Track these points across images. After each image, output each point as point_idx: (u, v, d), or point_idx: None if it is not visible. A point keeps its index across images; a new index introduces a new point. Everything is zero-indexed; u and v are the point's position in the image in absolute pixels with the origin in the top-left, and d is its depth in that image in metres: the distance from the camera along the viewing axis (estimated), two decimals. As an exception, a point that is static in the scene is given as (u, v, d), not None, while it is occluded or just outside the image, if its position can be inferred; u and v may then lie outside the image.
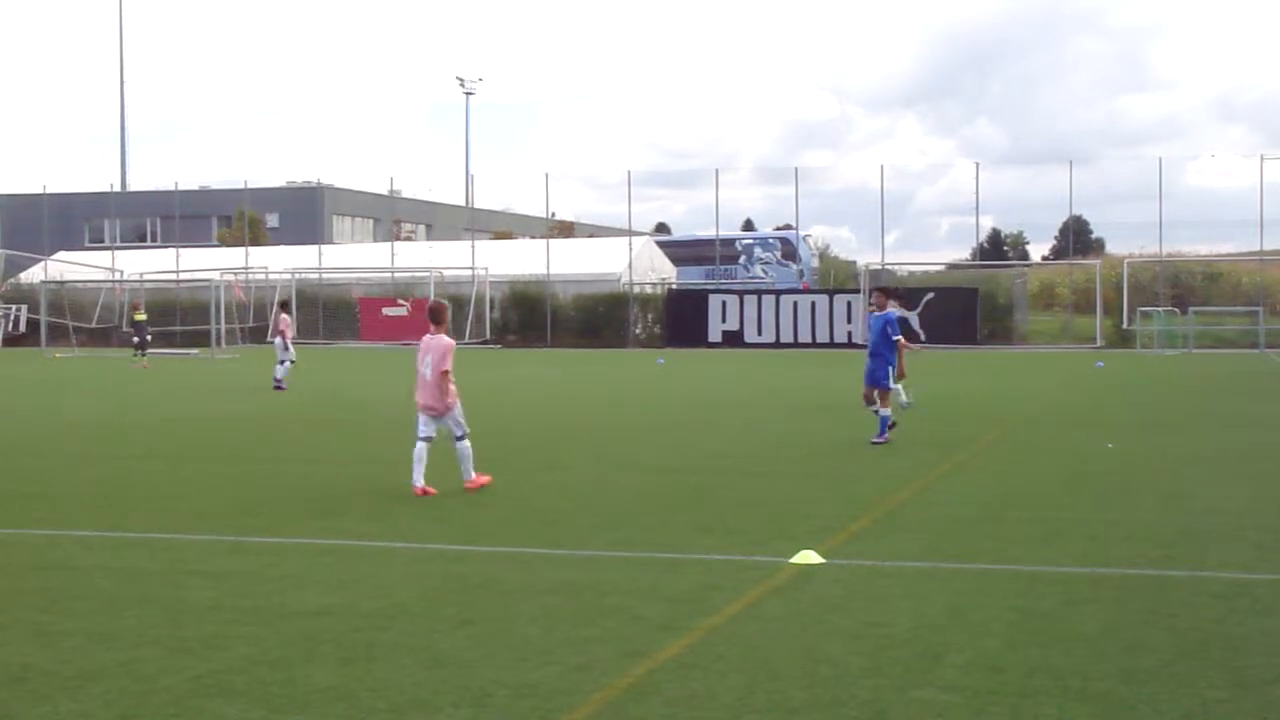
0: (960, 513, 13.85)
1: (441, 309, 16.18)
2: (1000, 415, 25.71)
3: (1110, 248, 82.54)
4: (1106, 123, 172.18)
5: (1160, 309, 62.30)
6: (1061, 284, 70.79)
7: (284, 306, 37.74)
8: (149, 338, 53.41)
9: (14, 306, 72.81)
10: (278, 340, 34.73)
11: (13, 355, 60.92)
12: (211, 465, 18.36)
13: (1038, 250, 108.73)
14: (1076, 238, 78.07)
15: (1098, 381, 38.27)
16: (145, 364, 48.81)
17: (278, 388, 33.35)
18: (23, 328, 71.71)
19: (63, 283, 71.09)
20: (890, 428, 20.59)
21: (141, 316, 53.96)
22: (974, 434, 22.37)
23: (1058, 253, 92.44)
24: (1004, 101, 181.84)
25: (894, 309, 22.34)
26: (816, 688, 7.61)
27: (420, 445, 15.48)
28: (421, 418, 15.62)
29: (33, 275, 75.49)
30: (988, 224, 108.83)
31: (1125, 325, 62.11)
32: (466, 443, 15.75)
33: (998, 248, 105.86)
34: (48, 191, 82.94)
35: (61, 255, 78.72)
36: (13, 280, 76.77)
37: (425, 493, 15.22)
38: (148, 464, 18.65)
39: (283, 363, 34.13)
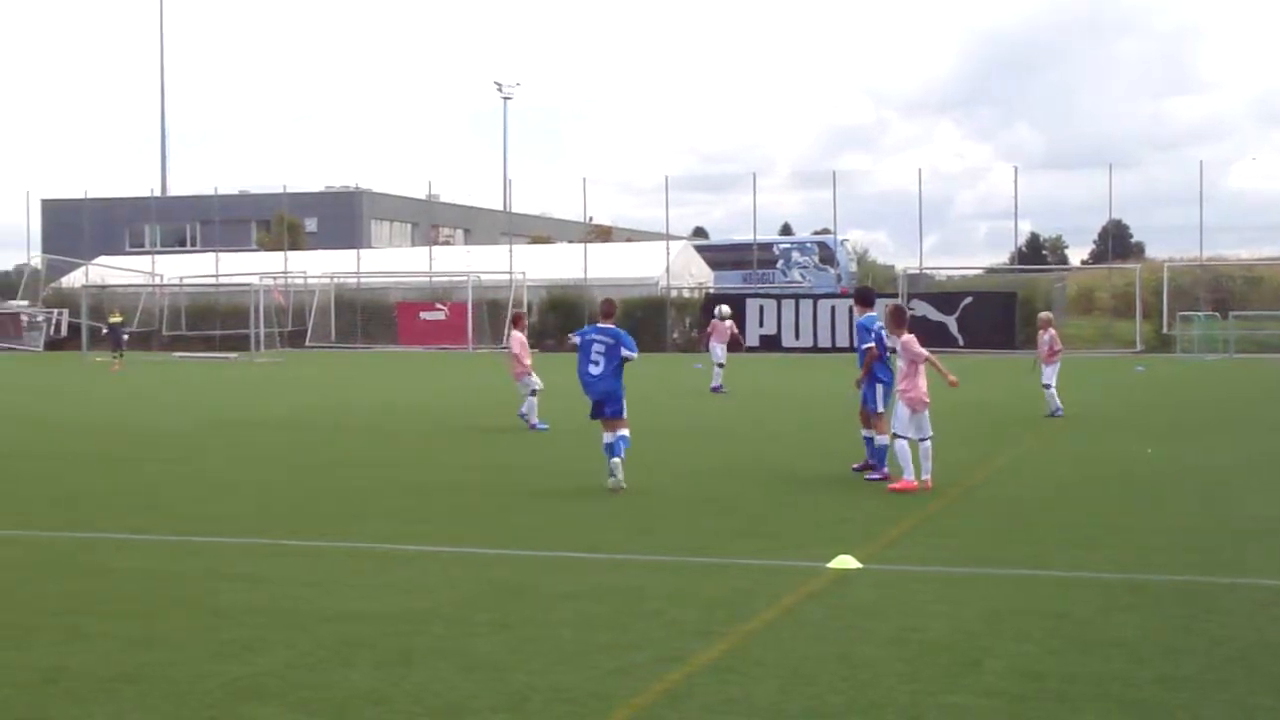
0: (999, 518, 13.78)
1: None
2: (1038, 420, 25.56)
3: (1150, 252, 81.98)
4: (1147, 125, 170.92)
5: (1201, 313, 61.90)
6: (1101, 288, 70.43)
7: (723, 316, 38.00)
8: (125, 338, 56.63)
9: (55, 311, 73.30)
10: (715, 347, 35.42)
11: (54, 359, 61.35)
12: (248, 469, 18.42)
13: (1077, 254, 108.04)
14: (1116, 242, 77.58)
15: (1138, 386, 38.05)
16: (117, 366, 50.63)
17: (715, 390, 34.04)
18: (64, 332, 72.19)
19: (103, 287, 71.54)
20: (872, 468, 16.98)
21: (117, 319, 56.91)
22: (1012, 439, 22.26)
23: (1097, 257, 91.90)
24: (1043, 105, 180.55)
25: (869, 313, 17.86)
26: (853, 693, 7.57)
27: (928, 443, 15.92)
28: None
29: (74, 280, 75.98)
30: (1026, 228, 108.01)
31: (1165, 330, 61.74)
32: (929, 444, 15.87)
33: (1036, 252, 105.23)
34: (89, 196, 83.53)
35: (102, 260, 79.19)
36: (54, 284, 77.30)
37: (925, 487, 15.63)
38: (183, 467, 18.71)
39: (721, 365, 34.88)
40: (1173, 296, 62.37)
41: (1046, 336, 27.01)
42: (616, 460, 15.68)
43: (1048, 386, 26.42)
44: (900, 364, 16.04)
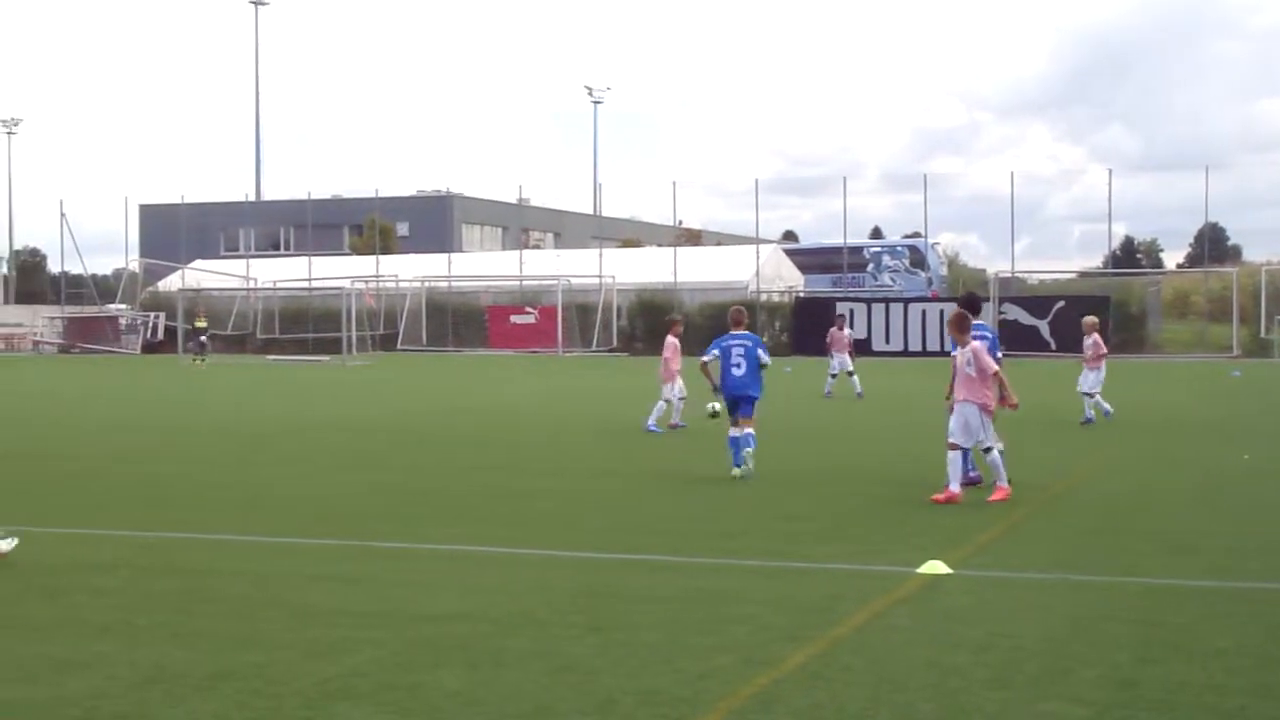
0: (1090, 524, 13.66)
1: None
2: (1131, 425, 25.28)
3: (1248, 255, 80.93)
4: (1243, 127, 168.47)
5: (1300, 317, 60.96)
6: (1196, 292, 69.60)
7: (840, 322, 38.08)
8: (204, 341, 59.35)
9: (151, 314, 74.39)
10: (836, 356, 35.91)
11: (149, 362, 62.22)
12: (342, 472, 18.59)
13: (1172, 258, 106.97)
14: (1212, 245, 76.66)
15: (1234, 391, 37.54)
16: (202, 367, 52.87)
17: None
18: (160, 335, 73.23)
19: (199, 290, 72.45)
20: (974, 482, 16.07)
21: (201, 324, 59.90)
22: (1103, 443, 22.04)
23: (1193, 260, 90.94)
24: (1137, 107, 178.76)
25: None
26: (943, 699, 7.55)
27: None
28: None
29: (170, 284, 77.00)
30: (1120, 231, 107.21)
31: (1263, 334, 60.85)
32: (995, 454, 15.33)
33: (1131, 255, 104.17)
34: (185, 201, 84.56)
35: (198, 264, 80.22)
36: (151, 288, 78.46)
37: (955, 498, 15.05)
38: (277, 469, 18.95)
39: (834, 375, 35.49)
40: (1270, 300, 61.46)
41: (1090, 341, 26.44)
42: (748, 450, 17.16)
43: (1084, 393, 25.95)
44: (969, 370, 15.33)
